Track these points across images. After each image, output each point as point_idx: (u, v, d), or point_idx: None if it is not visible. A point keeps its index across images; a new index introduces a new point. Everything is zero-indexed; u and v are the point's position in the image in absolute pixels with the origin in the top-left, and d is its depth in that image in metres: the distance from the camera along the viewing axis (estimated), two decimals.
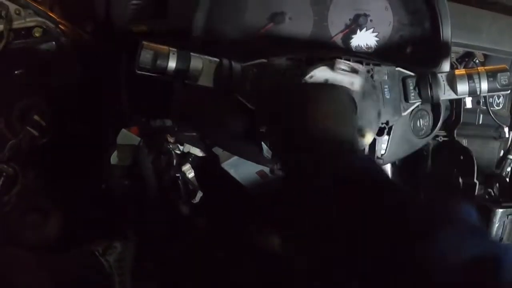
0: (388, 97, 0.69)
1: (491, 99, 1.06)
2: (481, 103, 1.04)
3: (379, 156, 0.72)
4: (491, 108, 1.05)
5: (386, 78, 0.69)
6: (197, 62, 0.62)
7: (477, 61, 1.02)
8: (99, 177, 0.97)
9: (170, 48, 0.61)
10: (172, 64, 0.60)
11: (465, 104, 1.00)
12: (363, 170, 0.52)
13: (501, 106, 1.09)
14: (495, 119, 1.04)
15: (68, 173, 0.97)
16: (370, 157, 0.65)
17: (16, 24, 0.91)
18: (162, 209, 0.99)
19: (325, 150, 0.55)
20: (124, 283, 0.96)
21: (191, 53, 0.62)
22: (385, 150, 0.75)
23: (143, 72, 0.60)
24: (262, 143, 0.71)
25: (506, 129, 1.10)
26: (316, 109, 0.58)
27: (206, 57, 0.63)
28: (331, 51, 0.71)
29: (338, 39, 0.78)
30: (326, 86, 0.61)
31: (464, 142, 1.01)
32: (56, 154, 0.95)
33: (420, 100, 0.71)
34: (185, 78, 0.62)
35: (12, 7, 0.89)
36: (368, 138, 0.66)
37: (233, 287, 1.01)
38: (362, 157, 0.61)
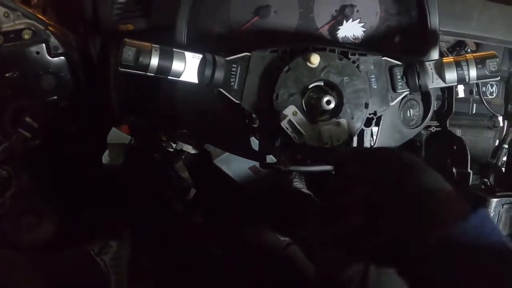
0: (375, 87, 0.69)
1: (484, 88, 1.05)
2: (474, 92, 1.03)
3: (368, 147, 0.71)
4: (485, 97, 1.04)
5: (373, 67, 0.69)
6: (180, 58, 0.62)
7: (468, 50, 1.01)
8: (93, 177, 0.97)
9: (153, 45, 0.61)
10: (154, 60, 0.60)
11: (457, 94, 0.99)
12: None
13: (494, 95, 1.09)
14: (488, 108, 1.04)
15: (62, 174, 0.97)
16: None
17: (5, 27, 0.91)
18: (156, 207, 0.99)
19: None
20: (120, 282, 0.96)
21: (174, 49, 0.62)
22: (375, 141, 0.74)
23: (125, 70, 0.60)
24: (252, 137, 0.72)
25: (500, 118, 1.09)
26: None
27: (189, 52, 0.63)
28: (317, 43, 0.70)
29: (324, 30, 0.78)
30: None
31: (458, 132, 1.00)
32: (49, 156, 0.95)
33: (408, 89, 0.71)
34: (168, 75, 0.62)
35: (1, 10, 0.89)
36: (356, 129, 0.66)
37: (229, 284, 1.01)
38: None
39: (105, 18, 0.85)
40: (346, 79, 0.65)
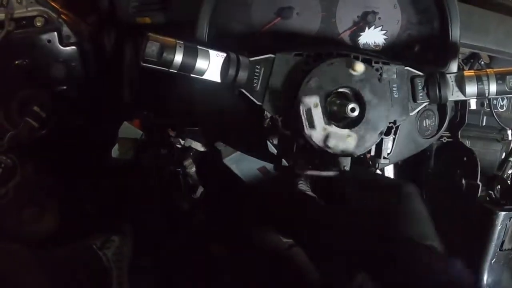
0: (396, 96, 0.68)
1: (495, 101, 1.06)
2: (485, 105, 1.04)
3: (385, 156, 0.71)
4: (495, 110, 1.04)
5: (395, 77, 0.68)
6: (204, 55, 0.61)
7: (482, 62, 1.01)
8: (99, 171, 0.96)
9: (177, 41, 0.60)
10: (178, 57, 0.59)
11: (469, 106, 0.99)
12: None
13: (504, 108, 1.09)
14: (498, 121, 1.04)
15: (67, 166, 0.96)
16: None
17: (18, 13, 0.89)
18: (161, 203, 0.98)
19: None
20: (121, 277, 0.95)
21: (198, 47, 0.61)
22: (391, 149, 0.74)
23: (148, 65, 0.59)
24: (268, 140, 0.71)
25: (509, 132, 1.09)
26: None
27: (213, 51, 0.62)
28: (340, 48, 0.70)
29: (346, 36, 0.77)
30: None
31: (467, 143, 1.01)
32: (55, 146, 0.94)
33: (428, 100, 0.70)
34: (191, 72, 0.61)
35: None
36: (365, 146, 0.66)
37: (229, 283, 1.00)
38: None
39: (122, 10, 0.83)
40: (376, 99, 0.64)
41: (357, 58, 0.65)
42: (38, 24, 0.90)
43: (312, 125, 0.63)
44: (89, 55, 0.93)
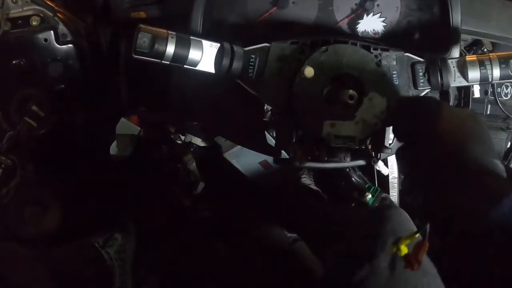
0: (397, 83, 0.67)
1: (499, 89, 1.04)
2: (489, 93, 1.02)
3: (387, 145, 0.70)
4: (499, 98, 1.02)
5: (395, 63, 0.67)
6: (197, 46, 0.60)
7: (485, 49, 0.99)
8: (99, 168, 0.95)
9: (169, 32, 0.59)
10: (170, 48, 0.58)
11: (473, 94, 0.97)
12: None
13: (509, 96, 1.07)
14: (503, 109, 1.02)
15: (67, 165, 0.95)
16: None
17: (13, 13, 0.89)
18: (163, 200, 0.97)
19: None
20: (124, 275, 0.95)
21: (191, 37, 0.60)
22: (393, 139, 0.72)
23: (140, 57, 0.58)
24: (266, 132, 0.69)
25: None
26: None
27: (207, 41, 0.61)
28: (337, 36, 0.68)
29: (344, 24, 0.76)
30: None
31: None
32: (55, 145, 0.93)
33: (429, 87, 0.69)
34: (184, 63, 0.60)
35: None
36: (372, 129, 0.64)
37: (234, 280, 0.99)
38: None
39: (116, 5, 0.83)
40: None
41: (355, 45, 0.64)
42: (34, 23, 0.89)
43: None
44: (86, 52, 0.93)
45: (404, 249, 0.55)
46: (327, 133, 0.61)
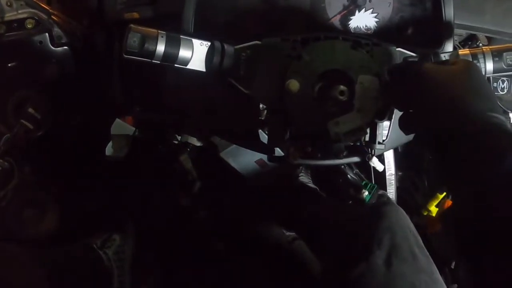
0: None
1: (495, 84, 1.03)
2: None
3: (381, 141, 0.69)
4: (496, 93, 1.02)
5: (386, 58, 0.66)
6: (187, 45, 0.60)
7: (480, 44, 0.98)
8: (96, 169, 0.96)
9: (159, 31, 0.59)
10: (160, 47, 0.58)
11: None
12: None
13: (505, 91, 1.06)
14: (499, 104, 1.01)
15: (64, 166, 0.96)
16: None
17: (8, 16, 0.89)
18: (160, 200, 0.97)
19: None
20: (123, 276, 0.95)
21: (181, 36, 0.60)
22: (387, 135, 0.72)
23: (130, 57, 0.58)
24: (261, 130, 0.69)
25: (511, 115, 1.06)
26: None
27: (197, 39, 0.61)
28: (328, 32, 0.68)
29: (336, 20, 0.75)
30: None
31: None
32: (52, 147, 0.94)
33: None
34: (175, 63, 0.60)
35: None
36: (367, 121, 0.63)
37: (233, 279, 0.99)
38: None
39: (109, 6, 0.83)
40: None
41: (346, 40, 0.64)
42: (29, 26, 0.90)
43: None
44: (81, 54, 0.93)
45: (434, 210, 0.54)
46: (335, 133, 0.61)
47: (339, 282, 0.74)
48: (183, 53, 0.60)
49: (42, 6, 0.91)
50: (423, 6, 0.77)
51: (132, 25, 0.58)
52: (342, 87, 0.60)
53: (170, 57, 0.59)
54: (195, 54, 0.60)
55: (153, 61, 0.59)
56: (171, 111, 0.82)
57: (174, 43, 0.59)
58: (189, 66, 0.61)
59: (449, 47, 0.74)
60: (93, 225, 0.98)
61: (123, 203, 1.00)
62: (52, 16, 0.91)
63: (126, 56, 0.58)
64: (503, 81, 1.05)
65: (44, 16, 0.90)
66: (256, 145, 0.70)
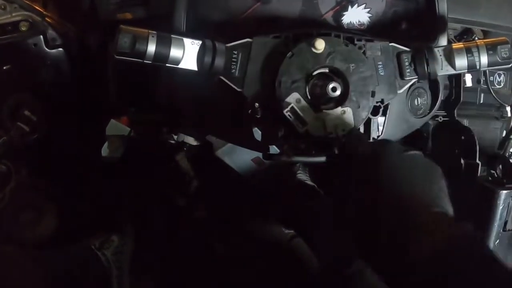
0: (382, 74, 0.66)
1: (491, 77, 1.02)
2: (481, 82, 1.00)
3: (375, 137, 0.69)
4: (492, 87, 1.01)
5: (380, 54, 0.66)
6: (178, 44, 0.60)
7: (476, 38, 0.98)
8: (93, 170, 0.96)
9: (150, 31, 0.59)
10: (151, 47, 0.58)
11: (465, 83, 0.96)
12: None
13: (502, 84, 1.05)
14: (496, 98, 1.01)
15: (61, 168, 0.96)
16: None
17: (2, 19, 0.89)
18: (157, 201, 0.97)
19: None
20: (121, 277, 0.95)
21: (172, 35, 0.60)
22: (381, 131, 0.72)
23: (122, 57, 0.58)
24: (254, 127, 0.69)
25: (508, 109, 1.06)
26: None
27: (188, 39, 0.61)
28: (321, 28, 0.68)
29: (328, 17, 0.75)
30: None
31: (465, 122, 0.97)
32: (48, 149, 0.94)
33: (416, 76, 0.68)
34: (166, 62, 0.60)
35: None
36: (362, 118, 0.64)
37: (232, 279, 0.99)
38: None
39: (102, 7, 0.83)
40: (352, 66, 0.62)
41: (338, 37, 0.64)
42: (23, 28, 0.90)
43: (303, 122, 0.62)
44: (76, 56, 0.93)
45: None
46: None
47: (337, 279, 0.74)
48: (174, 52, 0.59)
49: (36, 9, 0.91)
50: (416, 1, 0.77)
51: (122, 26, 0.58)
52: (334, 84, 0.60)
53: (162, 57, 0.59)
54: (187, 53, 0.60)
55: (144, 61, 0.59)
56: (165, 110, 0.82)
57: (165, 42, 0.59)
58: (181, 66, 0.61)
59: (443, 41, 0.74)
60: (91, 226, 0.98)
61: (120, 204, 1.00)
62: (46, 18, 0.91)
63: (117, 56, 0.58)
64: (499, 75, 1.05)
65: (38, 18, 0.90)
66: (251, 143, 0.70)
